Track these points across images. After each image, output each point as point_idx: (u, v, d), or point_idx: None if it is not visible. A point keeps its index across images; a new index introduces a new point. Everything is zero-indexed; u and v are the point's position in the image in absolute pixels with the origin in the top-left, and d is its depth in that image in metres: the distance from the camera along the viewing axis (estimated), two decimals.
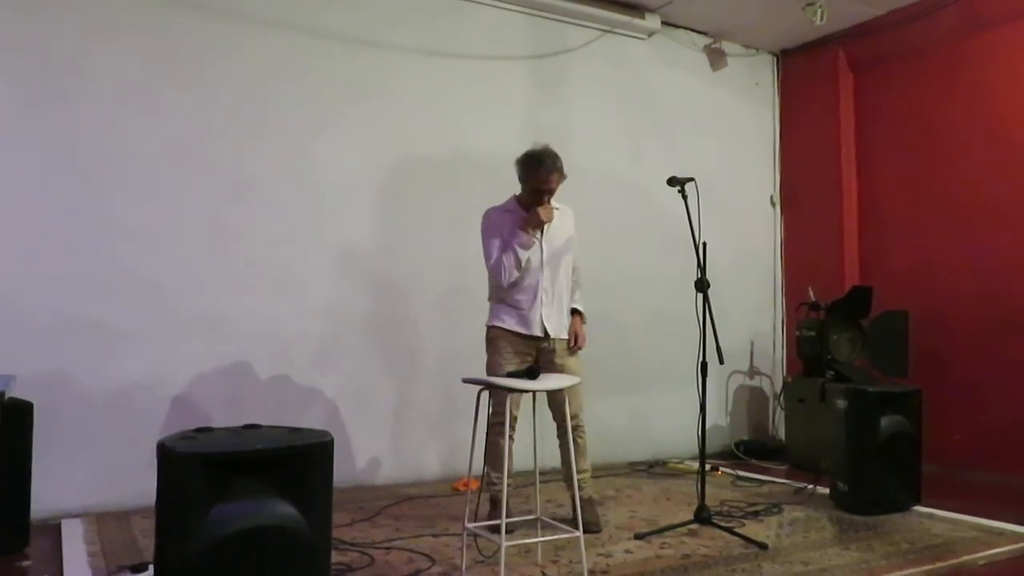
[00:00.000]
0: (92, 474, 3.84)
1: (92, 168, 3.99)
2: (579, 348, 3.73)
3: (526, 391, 2.91)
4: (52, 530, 3.51)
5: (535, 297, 3.59)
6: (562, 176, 3.56)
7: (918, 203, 5.58)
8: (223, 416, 3.91)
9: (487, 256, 3.59)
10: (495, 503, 3.58)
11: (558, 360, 3.62)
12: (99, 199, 4.00)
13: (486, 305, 3.68)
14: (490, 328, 3.64)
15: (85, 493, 3.82)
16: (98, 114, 4.01)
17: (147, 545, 3.19)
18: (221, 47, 4.32)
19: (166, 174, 4.16)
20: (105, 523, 3.64)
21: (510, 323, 3.60)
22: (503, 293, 3.61)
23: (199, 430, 2.16)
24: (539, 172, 3.50)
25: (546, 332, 3.60)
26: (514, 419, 3.41)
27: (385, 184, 4.77)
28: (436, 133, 4.92)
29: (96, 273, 3.96)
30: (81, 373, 3.89)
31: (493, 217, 3.64)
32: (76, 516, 3.72)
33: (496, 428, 3.35)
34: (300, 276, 4.48)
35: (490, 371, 3.54)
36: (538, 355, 3.64)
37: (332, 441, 2.14)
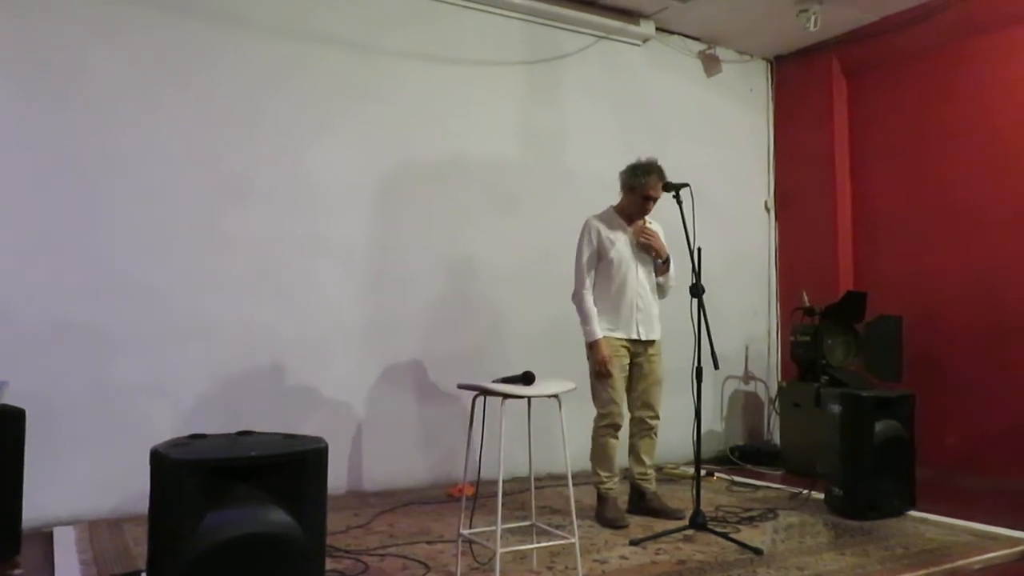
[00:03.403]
0: (84, 481, 3.82)
1: (88, 171, 3.97)
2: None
3: (520, 396, 2.89)
4: (44, 538, 3.48)
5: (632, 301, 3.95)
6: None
7: (912, 208, 5.60)
8: (218, 422, 3.86)
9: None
10: (603, 499, 3.87)
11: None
12: (95, 202, 3.98)
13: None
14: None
15: (77, 500, 3.79)
16: (95, 117, 4.00)
17: (140, 552, 3.17)
18: (218, 51, 4.31)
19: (162, 177, 4.14)
20: (97, 530, 3.61)
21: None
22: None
23: (193, 436, 2.15)
24: (649, 179, 3.81)
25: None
26: (619, 426, 3.90)
27: (381, 188, 4.76)
28: (432, 137, 4.92)
29: (91, 277, 3.94)
30: (74, 379, 3.87)
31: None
32: (68, 523, 3.69)
33: (603, 430, 3.86)
34: (296, 280, 4.46)
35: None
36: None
37: (326, 448, 2.13)
